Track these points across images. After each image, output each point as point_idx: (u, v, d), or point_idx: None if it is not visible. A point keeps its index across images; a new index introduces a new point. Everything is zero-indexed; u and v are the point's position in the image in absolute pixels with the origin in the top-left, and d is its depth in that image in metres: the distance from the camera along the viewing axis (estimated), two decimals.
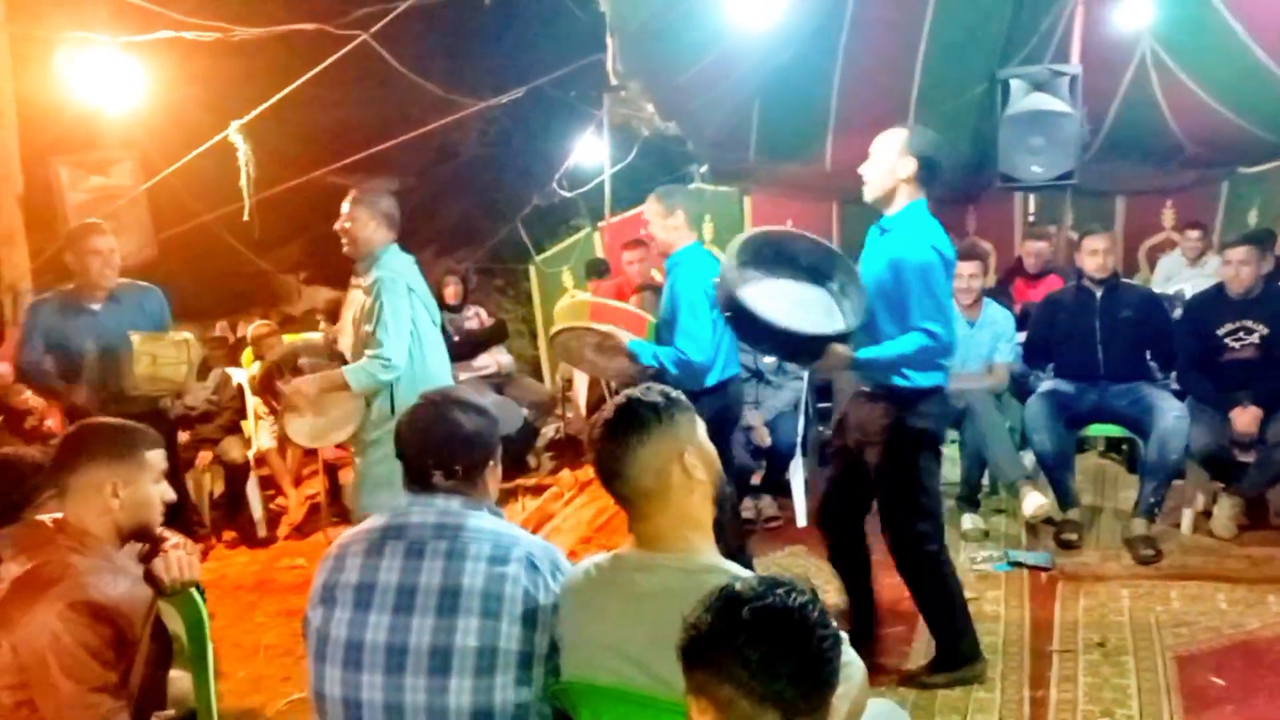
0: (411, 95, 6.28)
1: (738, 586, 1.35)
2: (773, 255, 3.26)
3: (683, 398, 1.88)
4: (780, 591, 1.33)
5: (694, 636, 1.32)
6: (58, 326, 4.18)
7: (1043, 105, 5.62)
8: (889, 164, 3.28)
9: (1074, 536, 4.66)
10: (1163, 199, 8.57)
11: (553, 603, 1.88)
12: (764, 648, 1.27)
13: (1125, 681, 3.41)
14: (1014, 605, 4.04)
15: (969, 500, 5.00)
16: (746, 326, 3.08)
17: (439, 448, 1.98)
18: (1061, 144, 5.66)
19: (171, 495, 2.26)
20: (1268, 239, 5.63)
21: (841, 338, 3.10)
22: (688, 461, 1.81)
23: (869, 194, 3.36)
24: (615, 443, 1.79)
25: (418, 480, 1.99)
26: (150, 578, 2.17)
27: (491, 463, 2.05)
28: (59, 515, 2.10)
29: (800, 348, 3.13)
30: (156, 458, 2.21)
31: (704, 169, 8.38)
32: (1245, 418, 4.51)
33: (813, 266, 3.30)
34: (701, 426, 1.89)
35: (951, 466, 5.41)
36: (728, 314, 3.11)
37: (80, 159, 5.39)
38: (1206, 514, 4.79)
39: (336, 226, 3.78)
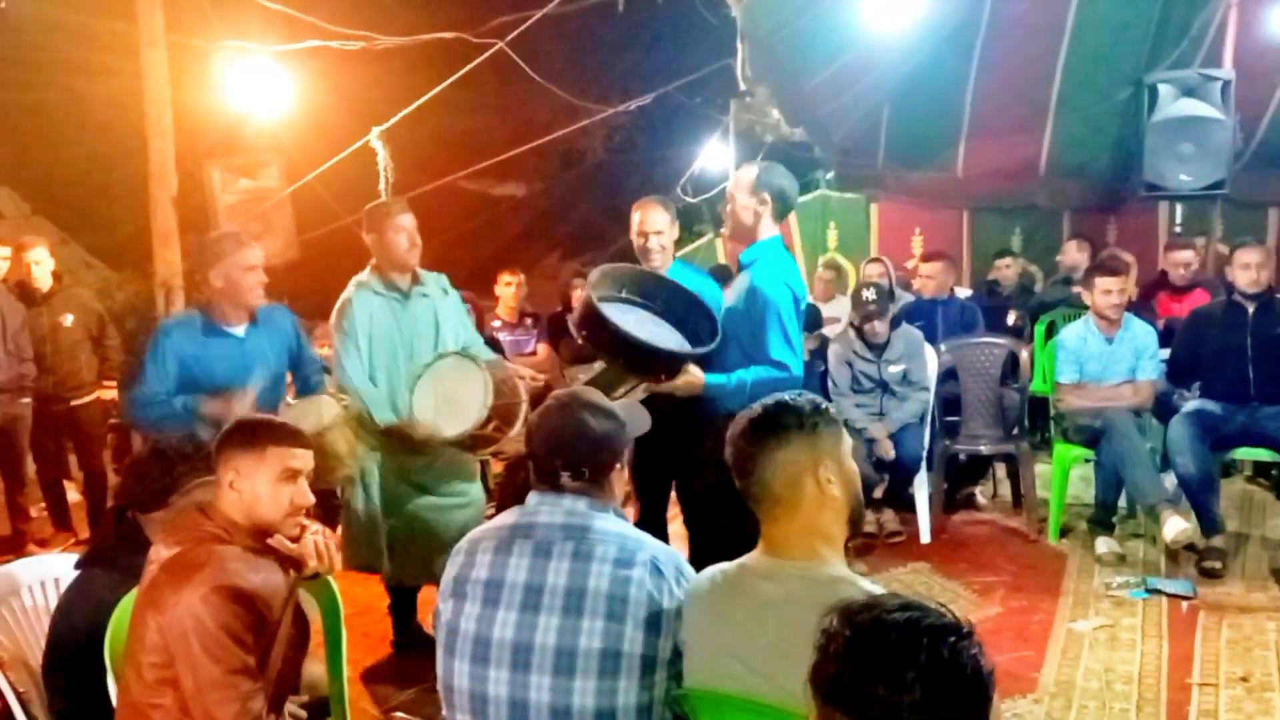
0: (542, 101, 6.40)
1: (890, 616, 1.20)
2: (636, 292, 3.39)
3: (832, 410, 1.88)
4: (939, 624, 1.18)
5: (833, 665, 1.20)
6: (195, 354, 3.47)
7: (1193, 111, 5.39)
8: (744, 202, 3.34)
9: (1218, 564, 4.42)
10: None
11: (676, 608, 1.88)
12: (921, 693, 1.13)
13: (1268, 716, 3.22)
14: (1151, 635, 3.86)
15: (1103, 523, 4.79)
16: (604, 339, 3.11)
17: (567, 448, 2.01)
18: (1212, 152, 5.42)
19: (308, 498, 2.19)
20: None
21: (699, 360, 3.20)
22: (822, 476, 1.80)
23: (729, 232, 3.49)
24: (753, 443, 1.81)
25: (546, 480, 2.03)
26: (291, 561, 2.23)
27: (618, 465, 2.07)
28: (208, 500, 2.20)
29: (655, 364, 3.17)
30: (283, 454, 2.14)
31: (830, 175, 8.29)
32: None
33: (670, 309, 3.42)
34: (848, 444, 1.88)
35: (1086, 487, 5.22)
36: (584, 329, 3.15)
37: (230, 162, 5.65)
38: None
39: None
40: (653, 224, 3.77)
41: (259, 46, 5.35)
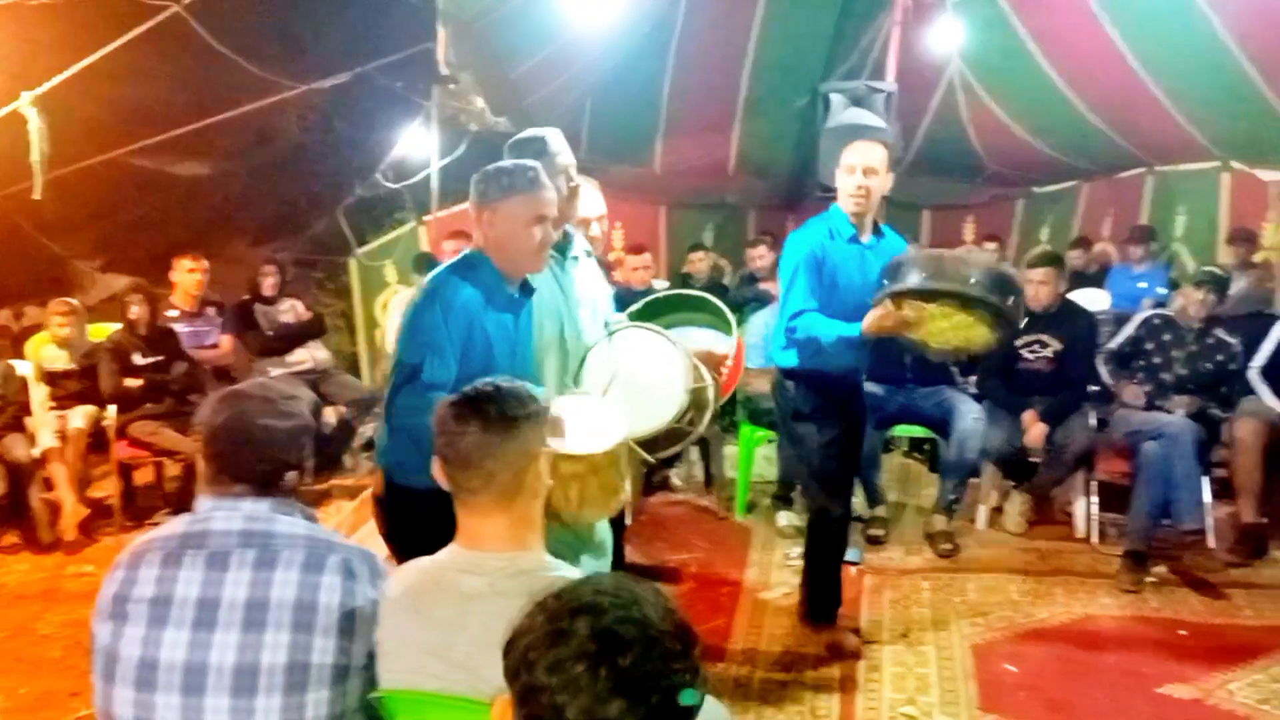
0: (229, 74, 5.95)
1: (587, 597, 1.16)
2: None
3: (544, 398, 1.84)
4: (637, 606, 1.14)
5: (508, 653, 1.17)
6: None
7: (860, 119, 5.85)
8: (886, 179, 3.55)
9: (880, 533, 4.90)
10: (965, 213, 9.14)
11: (372, 610, 1.80)
12: (606, 672, 1.10)
13: (926, 670, 3.60)
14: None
15: (784, 499, 5.17)
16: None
17: (246, 446, 1.85)
18: None
19: None
20: (1059, 260, 6.07)
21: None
22: (543, 465, 1.79)
23: (867, 207, 3.56)
24: (483, 433, 1.72)
25: (223, 481, 1.85)
26: None
27: (305, 462, 1.94)
28: None
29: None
30: None
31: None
32: (1034, 433, 4.84)
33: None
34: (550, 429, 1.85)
35: (769, 465, 5.59)
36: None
37: None
38: (999, 510, 5.13)
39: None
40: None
41: None
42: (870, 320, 3.30)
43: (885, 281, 3.35)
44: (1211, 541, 4.67)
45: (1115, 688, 3.46)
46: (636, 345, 3.17)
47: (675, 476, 6.06)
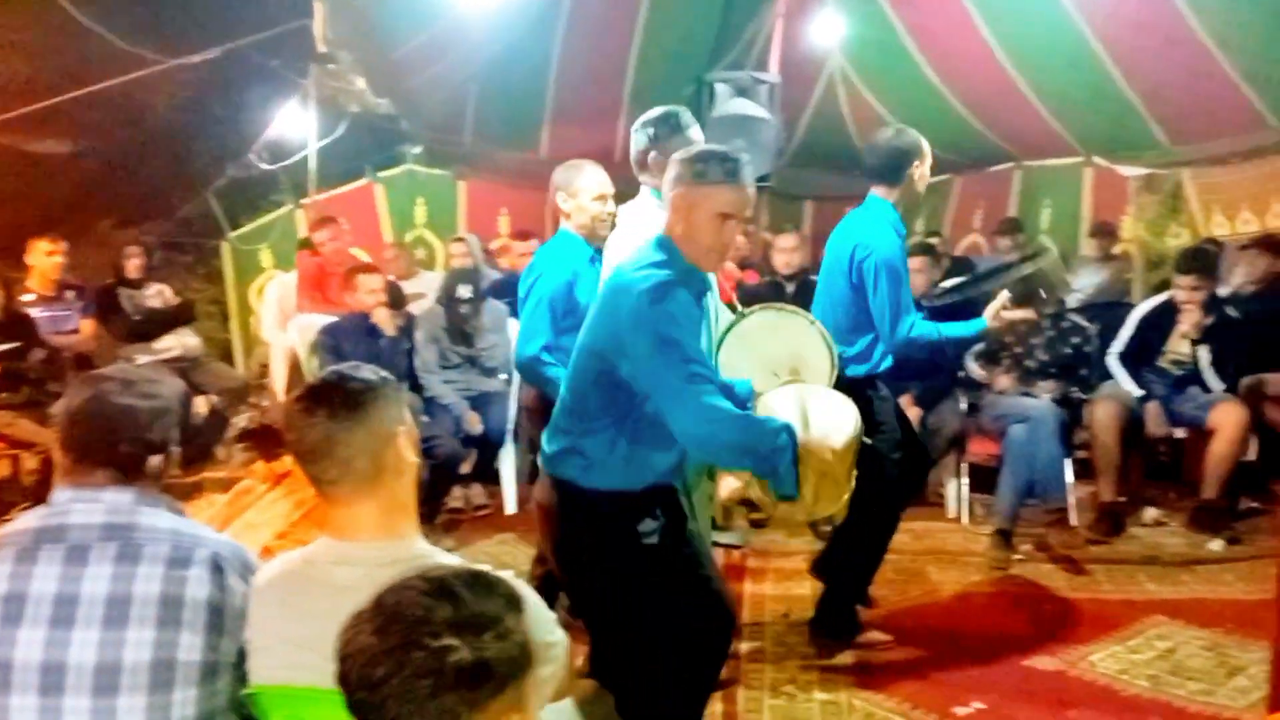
0: (90, 46, 5.66)
1: (406, 597, 1.18)
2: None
3: (392, 376, 1.79)
4: (442, 618, 1.14)
5: (338, 643, 1.17)
6: None
7: (744, 110, 5.89)
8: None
9: (763, 516, 4.98)
10: (845, 205, 9.30)
11: (241, 606, 1.74)
12: (393, 686, 1.11)
13: (807, 649, 3.68)
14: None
15: None
16: None
17: (106, 429, 1.75)
18: (760, 148, 5.94)
19: None
20: (933, 250, 6.27)
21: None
22: (401, 444, 1.73)
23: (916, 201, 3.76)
24: (329, 421, 1.66)
25: (81, 471, 1.76)
26: None
27: (170, 451, 1.85)
28: None
29: None
30: None
31: (417, 150, 8.16)
32: (908, 417, 4.99)
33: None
34: (407, 407, 1.81)
35: None
36: None
37: None
38: None
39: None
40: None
41: None
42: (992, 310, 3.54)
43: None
44: (1074, 519, 4.90)
45: (984, 661, 3.60)
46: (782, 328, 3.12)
47: None
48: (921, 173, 3.58)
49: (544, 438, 2.57)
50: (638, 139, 3.02)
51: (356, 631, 1.16)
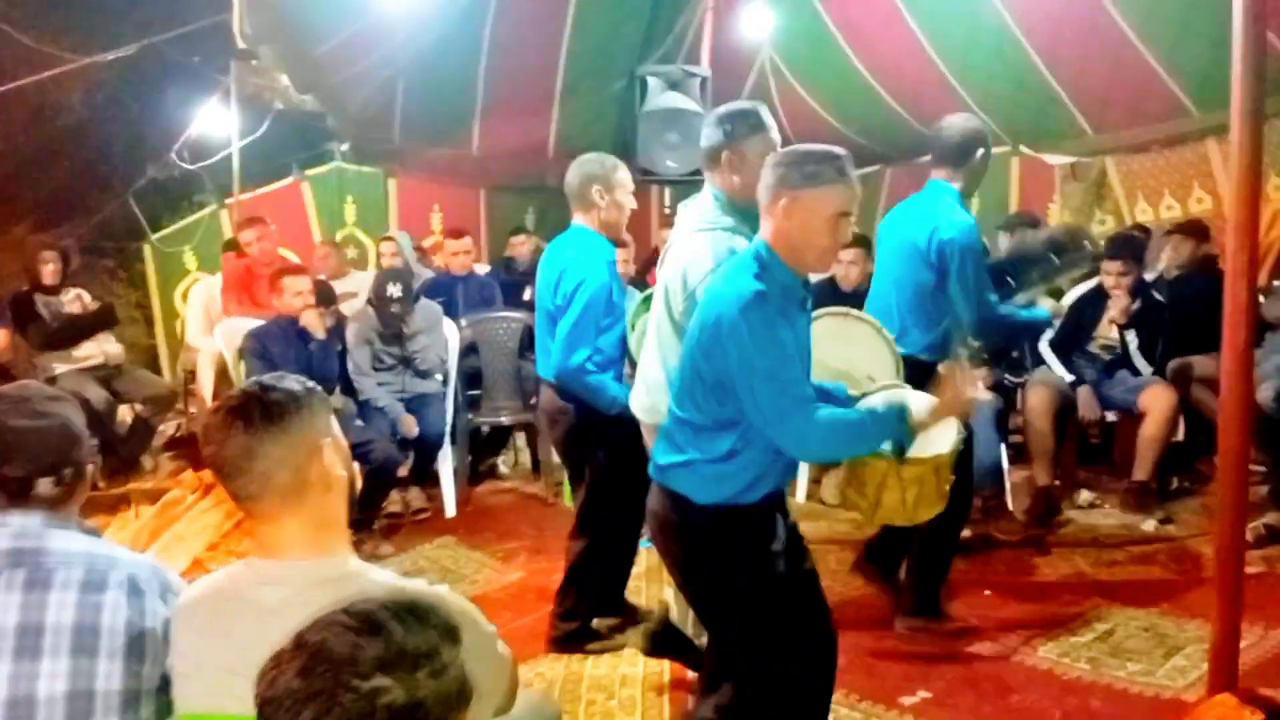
0: (3, 47, 5.46)
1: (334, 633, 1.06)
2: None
3: (318, 387, 1.72)
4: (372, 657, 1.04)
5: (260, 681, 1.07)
6: None
7: (676, 104, 5.88)
8: None
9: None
10: None
11: (164, 630, 1.65)
12: None
13: None
14: (654, 579, 4.23)
15: None
16: None
17: (41, 451, 1.67)
18: (694, 141, 5.93)
19: None
20: (866, 242, 6.32)
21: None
22: (326, 457, 1.66)
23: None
24: (247, 434, 1.59)
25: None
26: None
27: (83, 468, 1.76)
28: None
29: None
30: None
31: (345, 147, 8.00)
32: None
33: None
34: (333, 418, 1.74)
35: None
36: None
37: None
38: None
39: None
40: None
41: None
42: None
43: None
44: (1010, 504, 4.96)
45: (928, 650, 3.62)
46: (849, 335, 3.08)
47: (502, 464, 5.98)
48: (985, 158, 3.65)
49: (655, 449, 2.57)
50: (711, 135, 2.89)
51: (279, 673, 1.06)
